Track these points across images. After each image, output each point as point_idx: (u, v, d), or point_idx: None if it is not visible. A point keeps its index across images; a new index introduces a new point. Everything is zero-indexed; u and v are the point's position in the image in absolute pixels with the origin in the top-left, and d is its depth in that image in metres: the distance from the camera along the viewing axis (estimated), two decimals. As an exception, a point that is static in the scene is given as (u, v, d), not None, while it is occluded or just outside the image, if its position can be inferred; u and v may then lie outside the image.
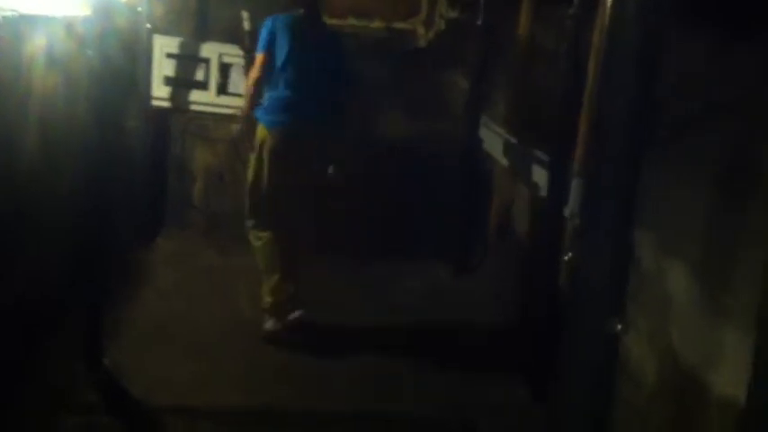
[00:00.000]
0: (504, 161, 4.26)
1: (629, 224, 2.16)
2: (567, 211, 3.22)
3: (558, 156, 3.23)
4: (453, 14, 5.17)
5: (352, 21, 5.28)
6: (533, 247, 3.96)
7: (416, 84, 5.21)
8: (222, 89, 4.93)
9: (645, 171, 2.91)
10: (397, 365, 3.73)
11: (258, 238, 3.96)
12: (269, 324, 3.89)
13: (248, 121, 3.96)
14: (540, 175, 3.58)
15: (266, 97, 3.95)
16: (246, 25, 4.78)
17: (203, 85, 4.92)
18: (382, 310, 4.31)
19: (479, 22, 4.60)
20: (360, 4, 5.27)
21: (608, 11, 3.10)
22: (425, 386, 3.57)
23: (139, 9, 4.41)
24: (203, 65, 4.90)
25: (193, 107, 4.96)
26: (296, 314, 3.89)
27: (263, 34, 3.94)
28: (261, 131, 3.90)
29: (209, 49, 4.88)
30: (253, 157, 3.96)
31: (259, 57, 3.91)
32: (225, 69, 4.92)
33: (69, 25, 3.53)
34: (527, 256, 4.05)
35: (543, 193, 3.50)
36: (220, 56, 4.89)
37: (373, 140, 5.12)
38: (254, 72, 3.92)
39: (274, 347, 3.78)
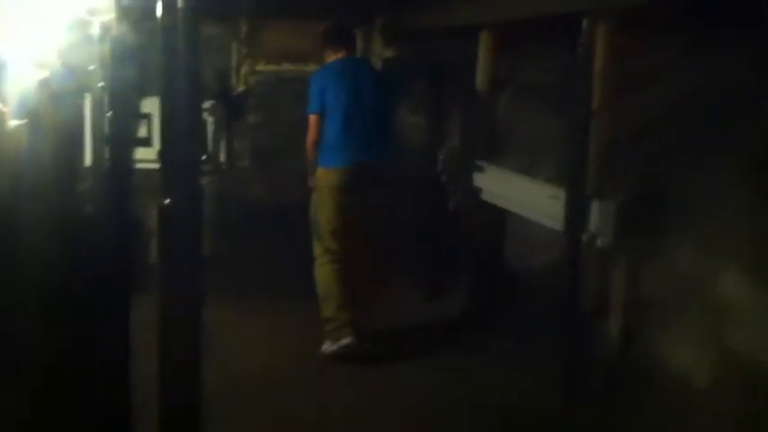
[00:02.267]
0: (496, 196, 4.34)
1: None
2: (585, 236, 3.35)
3: (574, 182, 3.35)
4: (389, 53, 5.26)
5: (288, 65, 5.27)
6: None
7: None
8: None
9: (680, 177, 3.12)
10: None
11: (324, 266, 4.11)
12: (326, 346, 4.04)
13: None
14: (539, 200, 3.69)
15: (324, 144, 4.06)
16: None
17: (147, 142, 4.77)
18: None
19: (432, 57, 4.71)
20: (294, 49, 5.26)
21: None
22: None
23: (91, 68, 4.19)
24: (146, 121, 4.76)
25: (139, 164, 4.77)
26: (347, 340, 4.03)
27: (314, 92, 4.03)
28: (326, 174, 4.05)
29: (151, 105, 4.73)
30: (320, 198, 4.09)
31: (313, 118, 4.02)
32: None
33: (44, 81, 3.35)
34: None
35: (550, 220, 3.61)
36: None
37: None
38: (313, 135, 4.05)
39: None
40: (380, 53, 5.26)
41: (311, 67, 5.30)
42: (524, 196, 3.92)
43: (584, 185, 3.28)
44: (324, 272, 4.12)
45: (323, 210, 4.08)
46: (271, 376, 3.79)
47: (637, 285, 3.25)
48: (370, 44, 5.28)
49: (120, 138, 3.29)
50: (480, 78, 4.43)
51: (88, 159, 4.51)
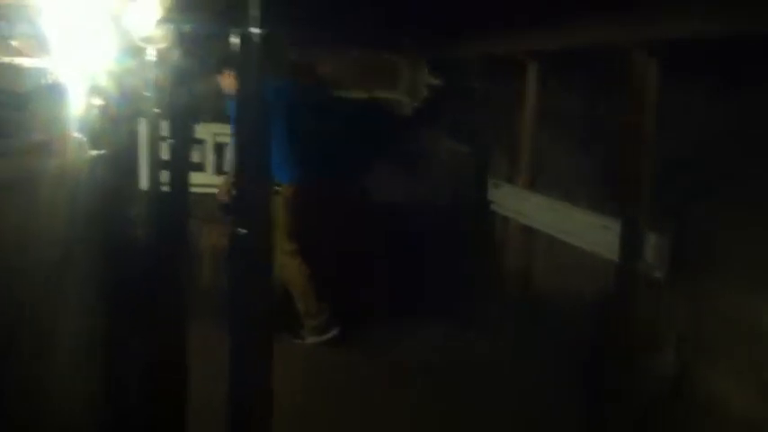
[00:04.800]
0: (538, 223, 4.35)
1: None
2: (639, 267, 3.32)
3: (629, 213, 3.34)
4: (436, 81, 5.29)
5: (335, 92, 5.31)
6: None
7: (407, 149, 5.29)
8: (219, 169, 4.90)
9: (736, 209, 3.10)
10: None
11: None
12: (311, 339, 4.49)
13: None
14: (594, 232, 3.68)
15: None
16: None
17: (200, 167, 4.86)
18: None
19: (476, 87, 4.73)
20: (341, 77, 5.31)
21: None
22: None
23: (147, 94, 4.28)
24: (199, 146, 4.85)
25: (193, 189, 4.88)
26: (334, 331, 4.52)
27: None
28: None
29: (204, 131, 4.83)
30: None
31: None
32: (219, 149, 4.89)
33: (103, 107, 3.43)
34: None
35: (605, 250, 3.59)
36: (214, 136, 4.84)
37: (373, 203, 5.19)
38: None
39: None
40: (427, 81, 5.29)
41: (357, 95, 5.36)
42: (572, 225, 3.92)
43: (639, 217, 3.26)
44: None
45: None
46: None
47: (691, 319, 3.22)
48: (417, 73, 5.32)
49: (178, 163, 3.36)
50: (526, 108, 4.45)
51: (143, 183, 4.62)
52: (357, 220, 4.95)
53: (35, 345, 1.91)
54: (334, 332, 4.52)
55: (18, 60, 2.25)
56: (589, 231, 3.73)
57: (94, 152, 2.34)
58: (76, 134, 2.23)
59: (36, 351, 1.92)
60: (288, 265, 4.49)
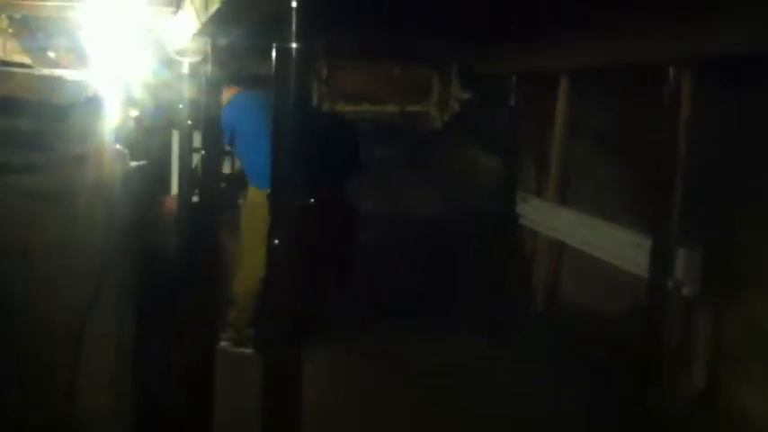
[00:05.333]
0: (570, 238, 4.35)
1: None
2: (670, 283, 3.31)
3: (660, 229, 3.33)
4: (466, 95, 5.29)
5: (366, 106, 5.33)
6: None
7: (437, 163, 5.31)
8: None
9: (747, 232, 3.09)
10: None
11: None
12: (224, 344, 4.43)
13: None
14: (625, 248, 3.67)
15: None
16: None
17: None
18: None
19: (507, 101, 4.73)
20: (372, 90, 5.33)
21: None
22: None
23: (180, 106, 4.34)
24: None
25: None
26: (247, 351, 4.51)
27: None
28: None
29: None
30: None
31: None
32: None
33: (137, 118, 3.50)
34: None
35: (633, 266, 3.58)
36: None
37: (401, 217, 5.21)
38: None
39: None
40: (458, 96, 5.30)
41: (389, 109, 5.38)
42: (601, 239, 3.91)
43: (670, 233, 3.25)
44: None
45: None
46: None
47: (722, 335, 3.20)
48: (448, 87, 5.32)
49: (210, 173, 3.40)
50: (557, 123, 4.45)
51: (173, 190, 4.69)
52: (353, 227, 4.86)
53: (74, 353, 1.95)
54: (246, 350, 4.54)
55: (58, 72, 2.30)
56: (618, 246, 3.72)
57: (134, 163, 2.38)
58: (117, 146, 2.27)
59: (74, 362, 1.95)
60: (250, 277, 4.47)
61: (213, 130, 3.37)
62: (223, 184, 4.56)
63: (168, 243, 4.15)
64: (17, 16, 3.69)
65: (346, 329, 4.80)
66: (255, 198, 4.38)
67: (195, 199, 3.71)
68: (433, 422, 3.85)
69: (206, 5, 2.25)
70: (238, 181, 4.73)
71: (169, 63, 4.03)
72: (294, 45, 1.66)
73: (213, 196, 3.35)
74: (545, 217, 4.54)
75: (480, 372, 4.49)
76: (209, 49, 3.19)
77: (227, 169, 4.93)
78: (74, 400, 2.04)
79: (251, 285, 4.45)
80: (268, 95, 4.42)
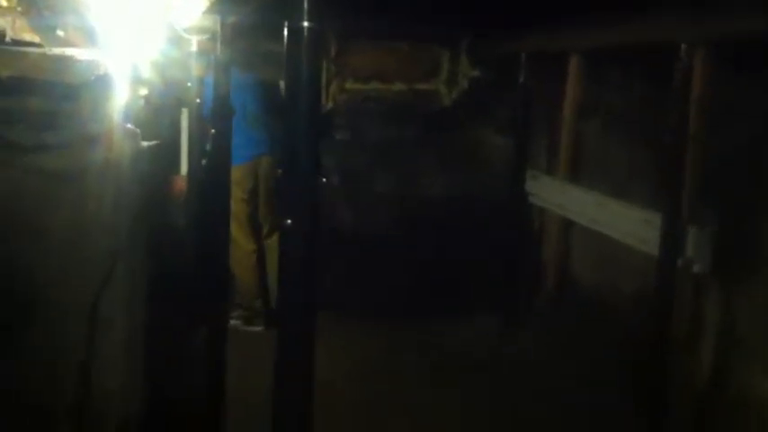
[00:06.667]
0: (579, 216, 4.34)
1: None
2: (680, 262, 3.30)
3: (670, 207, 3.31)
4: (475, 73, 5.27)
5: (375, 84, 5.32)
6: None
7: (447, 142, 5.30)
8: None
9: (759, 211, 3.07)
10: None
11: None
12: (234, 322, 4.51)
13: None
14: (634, 226, 3.66)
15: None
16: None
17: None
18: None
19: (522, 80, 4.70)
20: (381, 69, 5.31)
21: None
22: None
23: (189, 84, 4.33)
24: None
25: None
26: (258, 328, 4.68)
27: None
28: None
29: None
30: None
31: None
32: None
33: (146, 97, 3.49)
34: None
35: (642, 244, 3.58)
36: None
37: (411, 197, 5.21)
38: None
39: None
40: (467, 73, 5.28)
41: (397, 87, 5.36)
42: (611, 217, 3.91)
43: (681, 211, 3.24)
44: None
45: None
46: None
47: (732, 313, 3.19)
48: (457, 65, 5.30)
49: (220, 153, 3.40)
50: (568, 101, 4.43)
51: (183, 169, 4.68)
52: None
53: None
54: (257, 328, 4.68)
55: (69, 52, 2.29)
56: (628, 224, 3.71)
57: (145, 143, 2.37)
58: (129, 126, 2.26)
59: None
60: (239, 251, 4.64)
61: (223, 108, 3.36)
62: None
63: (178, 223, 4.16)
64: (26, -6, 3.66)
65: (357, 308, 4.81)
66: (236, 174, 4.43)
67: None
68: (446, 398, 3.92)
69: (216, -17, 2.24)
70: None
71: (178, 41, 4.01)
72: (306, 24, 1.63)
73: (224, 175, 3.35)
74: (554, 195, 4.53)
75: (490, 350, 4.51)
76: (218, 27, 3.18)
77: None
78: (87, 382, 2.05)
79: (245, 259, 4.67)
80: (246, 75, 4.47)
